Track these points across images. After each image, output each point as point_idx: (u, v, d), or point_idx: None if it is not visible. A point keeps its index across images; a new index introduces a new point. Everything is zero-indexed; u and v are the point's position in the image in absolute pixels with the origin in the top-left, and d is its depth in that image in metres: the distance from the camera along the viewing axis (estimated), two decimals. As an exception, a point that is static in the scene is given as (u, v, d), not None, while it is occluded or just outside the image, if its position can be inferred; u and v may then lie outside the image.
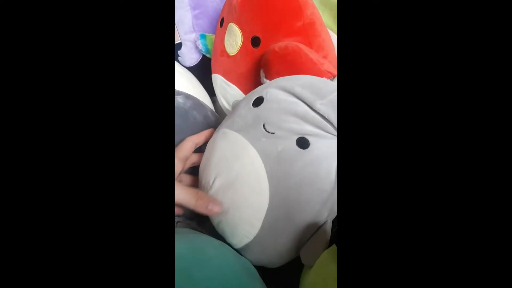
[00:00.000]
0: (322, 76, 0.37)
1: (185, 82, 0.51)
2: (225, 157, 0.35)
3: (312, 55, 0.38)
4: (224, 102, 0.51)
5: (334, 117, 0.33)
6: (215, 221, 0.37)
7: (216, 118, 0.49)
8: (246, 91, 0.47)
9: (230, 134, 0.36)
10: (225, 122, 0.39)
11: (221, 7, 0.50)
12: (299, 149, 0.33)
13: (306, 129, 0.33)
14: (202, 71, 0.56)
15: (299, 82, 0.35)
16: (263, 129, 0.34)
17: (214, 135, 0.39)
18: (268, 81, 0.40)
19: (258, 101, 0.36)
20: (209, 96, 0.55)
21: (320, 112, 0.33)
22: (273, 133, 0.34)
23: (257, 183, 0.33)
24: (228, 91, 0.49)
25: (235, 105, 0.40)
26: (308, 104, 0.34)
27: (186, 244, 0.30)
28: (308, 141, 0.33)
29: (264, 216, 0.33)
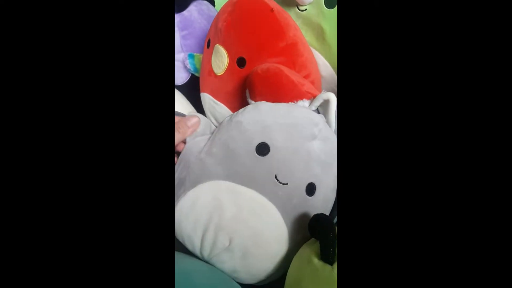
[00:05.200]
0: (302, 97, 0.39)
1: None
2: (241, 217, 0.34)
3: (294, 76, 0.39)
4: (213, 120, 0.52)
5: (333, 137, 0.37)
6: (228, 269, 0.36)
7: None
8: (233, 109, 0.48)
9: (241, 190, 0.34)
10: (221, 170, 0.35)
11: (208, 28, 0.51)
12: (308, 196, 0.35)
13: (314, 172, 0.35)
14: (191, 89, 0.57)
15: (291, 120, 0.36)
16: (276, 181, 0.34)
17: (213, 189, 0.35)
18: (252, 101, 0.41)
19: (263, 149, 0.34)
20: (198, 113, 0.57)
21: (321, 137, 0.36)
22: (287, 184, 0.34)
23: (279, 235, 0.35)
24: (216, 109, 0.50)
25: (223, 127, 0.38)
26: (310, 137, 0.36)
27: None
28: (315, 187, 0.35)
29: (285, 258, 0.35)
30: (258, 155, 0.34)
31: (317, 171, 0.35)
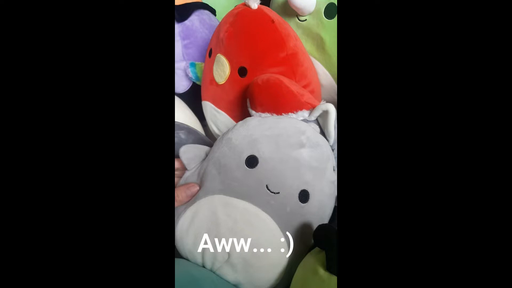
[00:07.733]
0: (302, 108, 0.40)
1: (176, 109, 0.53)
2: (237, 229, 0.35)
3: (293, 87, 0.40)
4: (215, 128, 0.53)
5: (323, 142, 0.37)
6: (232, 282, 0.37)
7: None
8: (235, 117, 0.49)
9: (235, 202, 0.35)
10: (216, 185, 0.37)
11: (210, 37, 0.52)
12: (302, 204, 0.36)
13: (305, 179, 0.36)
14: (192, 98, 0.58)
15: (277, 131, 0.37)
16: (268, 191, 0.35)
17: (209, 204, 0.36)
18: (253, 111, 0.42)
19: (252, 161, 0.36)
20: (199, 121, 0.58)
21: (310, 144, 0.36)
22: (278, 193, 0.35)
23: (277, 244, 0.35)
24: (218, 117, 0.51)
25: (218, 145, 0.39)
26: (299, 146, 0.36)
27: (184, 276, 0.30)
28: (308, 194, 0.36)
29: (286, 267, 0.36)
30: (248, 168, 0.35)
31: (309, 178, 0.36)
